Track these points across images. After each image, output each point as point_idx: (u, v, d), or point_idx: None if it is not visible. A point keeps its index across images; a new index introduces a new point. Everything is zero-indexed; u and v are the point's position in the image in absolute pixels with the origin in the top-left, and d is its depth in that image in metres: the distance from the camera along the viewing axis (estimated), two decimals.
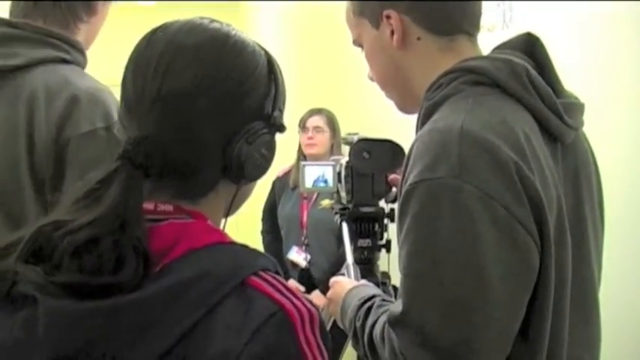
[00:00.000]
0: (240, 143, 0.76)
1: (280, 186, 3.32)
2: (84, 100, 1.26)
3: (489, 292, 0.85)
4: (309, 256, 3.13)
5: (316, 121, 3.21)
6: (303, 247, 3.15)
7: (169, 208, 0.75)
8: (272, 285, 0.71)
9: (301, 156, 3.24)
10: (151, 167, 0.73)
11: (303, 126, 3.23)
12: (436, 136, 0.89)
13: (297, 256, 3.16)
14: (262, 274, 0.72)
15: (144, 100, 0.75)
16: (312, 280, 3.13)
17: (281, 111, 0.82)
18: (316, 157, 3.09)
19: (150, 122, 0.74)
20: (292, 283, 3.11)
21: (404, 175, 0.93)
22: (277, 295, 0.70)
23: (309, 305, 0.71)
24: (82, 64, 1.36)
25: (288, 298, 0.70)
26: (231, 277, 0.70)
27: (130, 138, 0.74)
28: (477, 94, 0.95)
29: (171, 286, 0.68)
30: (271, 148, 0.80)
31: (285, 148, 3.43)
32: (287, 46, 4.49)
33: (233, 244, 0.75)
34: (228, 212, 0.82)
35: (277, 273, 0.74)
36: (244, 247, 0.75)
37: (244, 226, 3.97)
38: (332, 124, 3.21)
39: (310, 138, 3.17)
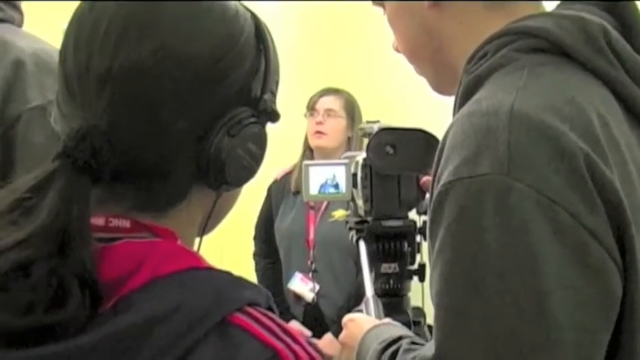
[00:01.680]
0: (220, 136, 0.76)
1: (278, 192, 3.33)
2: (30, 64, 1.26)
3: (552, 330, 0.85)
4: (317, 286, 3.13)
5: (330, 102, 3.20)
6: (310, 275, 3.15)
7: (125, 223, 0.75)
8: (263, 324, 0.72)
9: (307, 150, 3.24)
10: (101, 169, 0.73)
11: (311, 107, 3.22)
12: (478, 121, 0.90)
13: (302, 285, 3.17)
14: (250, 310, 0.72)
15: (89, 80, 0.75)
16: (321, 318, 3.13)
17: (273, 93, 0.82)
18: (326, 152, 3.10)
19: (98, 109, 0.74)
20: (294, 324, 3.11)
21: (435, 173, 0.93)
22: (270, 338, 0.71)
23: (311, 351, 0.72)
24: (17, 23, 1.36)
25: (283, 341, 0.71)
26: (208, 314, 0.70)
27: (72, 130, 0.74)
28: (533, 65, 0.95)
29: (128, 328, 0.68)
30: (261, 141, 0.81)
31: (288, 142, 3.48)
32: (290, 15, 4.51)
33: (211, 270, 0.75)
34: (205, 229, 0.82)
35: (270, 309, 0.75)
36: (226, 274, 0.75)
37: (231, 247, 3.97)
38: (351, 109, 3.21)
39: (319, 123, 3.16)
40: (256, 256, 3.40)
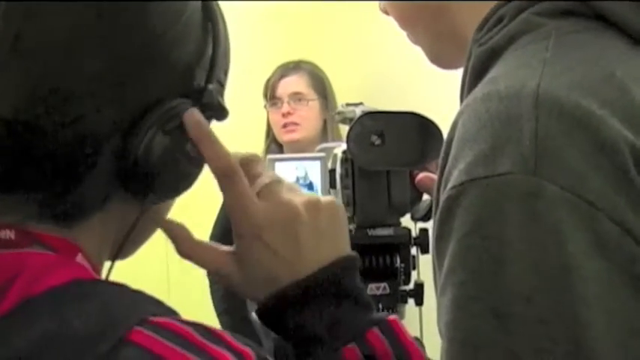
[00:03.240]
0: (151, 133, 0.77)
1: None
2: None
3: None
4: None
5: (293, 83, 3.22)
6: None
7: (9, 235, 0.76)
8: (176, 334, 0.71)
9: (273, 146, 3.25)
10: (4, 170, 0.74)
11: (271, 96, 3.24)
12: (496, 106, 0.90)
13: None
14: (156, 320, 0.73)
15: None
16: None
17: (221, 84, 0.85)
18: (301, 146, 3.11)
19: (1, 89, 0.75)
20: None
21: (442, 172, 0.93)
22: (183, 352, 0.70)
23: (241, 346, 0.74)
24: None
25: (206, 350, 0.71)
26: (98, 338, 0.70)
27: None
28: (562, 32, 0.95)
29: None
30: None
31: (248, 136, 3.47)
32: None
33: (100, 282, 0.77)
34: (118, 251, 0.82)
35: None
36: (121, 286, 0.76)
37: (178, 265, 3.96)
38: (320, 85, 3.23)
39: (288, 114, 3.17)
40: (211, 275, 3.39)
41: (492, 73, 0.96)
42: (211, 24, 0.83)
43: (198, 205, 3.44)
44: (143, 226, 0.83)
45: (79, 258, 0.77)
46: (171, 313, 0.76)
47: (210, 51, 0.83)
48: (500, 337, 0.86)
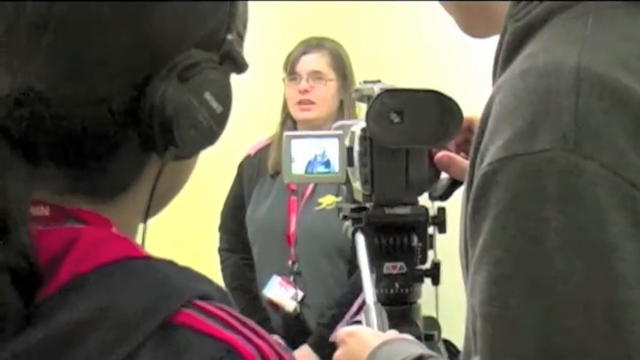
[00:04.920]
0: (166, 83, 0.76)
1: (252, 172, 3.34)
2: None
3: (632, 349, 0.85)
4: (300, 293, 3.15)
5: (314, 62, 3.21)
6: (291, 278, 3.16)
7: (43, 211, 0.76)
8: (215, 317, 0.73)
9: (288, 122, 3.25)
10: (36, 143, 0.74)
11: (291, 70, 3.22)
12: (535, 81, 0.90)
13: (281, 292, 3.18)
14: (200, 303, 0.74)
15: (22, 29, 0.75)
16: (306, 332, 3.16)
17: (241, 36, 0.83)
18: (314, 125, 3.10)
19: (35, 66, 0.75)
20: (307, 352, 3.12)
21: (477, 149, 0.94)
22: (224, 331, 0.72)
23: (279, 349, 0.74)
24: None
25: (242, 334, 0.72)
26: (146, 317, 0.72)
27: (2, 93, 0.75)
28: (602, 8, 0.95)
29: (42, 343, 0.70)
30: (223, 93, 0.80)
31: (265, 108, 3.46)
32: None
33: (150, 259, 0.77)
34: (148, 212, 0.82)
35: (228, 304, 0.76)
36: (169, 263, 0.77)
37: (189, 240, 3.97)
38: (340, 65, 3.21)
39: (304, 92, 3.17)
40: (222, 250, 3.41)
41: (530, 49, 0.95)
42: None
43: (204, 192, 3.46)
44: (166, 186, 0.82)
45: (114, 230, 0.78)
46: (219, 291, 0.77)
47: (228, 2, 0.82)
48: (535, 316, 0.86)
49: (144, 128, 0.76)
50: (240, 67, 0.81)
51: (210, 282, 0.77)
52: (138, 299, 0.72)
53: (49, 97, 0.74)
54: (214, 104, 0.79)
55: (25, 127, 0.74)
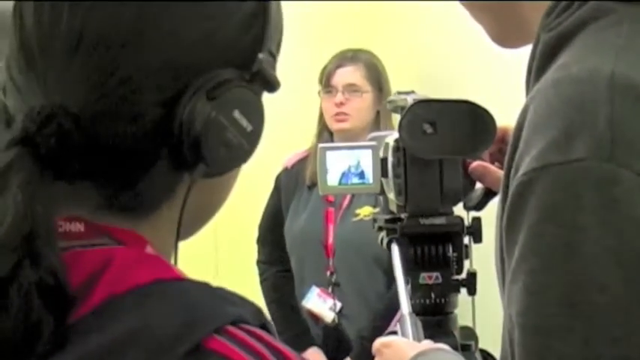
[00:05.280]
0: (194, 100, 0.77)
1: (289, 184, 3.36)
2: None
3: None
4: (339, 304, 3.16)
5: (349, 74, 3.22)
6: (330, 289, 3.17)
7: (79, 227, 0.77)
8: (247, 347, 0.73)
9: (325, 134, 3.26)
10: (67, 160, 0.75)
11: (326, 84, 3.24)
12: (569, 90, 0.90)
13: (320, 303, 3.19)
14: (233, 330, 0.74)
15: (55, 46, 0.76)
16: (345, 343, 3.16)
17: (273, 55, 0.84)
18: (350, 135, 3.11)
19: (66, 82, 0.76)
20: (314, 352, 3.14)
21: (511, 158, 0.94)
22: None
23: None
24: None
25: None
26: (176, 341, 0.72)
27: (32, 109, 0.75)
28: (635, 18, 0.95)
29: None
30: (253, 112, 0.81)
31: (303, 121, 3.46)
32: None
33: (183, 281, 0.77)
34: (179, 230, 0.82)
35: (264, 327, 0.77)
36: (203, 285, 0.77)
37: (228, 253, 3.98)
38: (376, 77, 3.22)
39: (340, 104, 3.18)
40: (261, 263, 3.43)
41: (563, 59, 0.95)
42: None
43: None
44: (198, 205, 0.83)
45: (149, 249, 0.78)
46: (255, 313, 0.77)
47: (261, 21, 0.82)
48: (573, 325, 0.86)
49: (174, 146, 0.77)
50: (271, 85, 0.82)
51: (245, 303, 0.78)
52: (169, 323, 0.73)
53: (78, 114, 0.75)
54: (244, 122, 0.80)
55: (54, 144, 0.74)
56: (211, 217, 0.88)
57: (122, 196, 0.78)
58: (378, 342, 1.31)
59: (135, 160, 0.77)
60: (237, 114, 0.79)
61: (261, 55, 0.81)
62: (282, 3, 0.86)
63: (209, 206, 0.86)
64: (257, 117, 0.81)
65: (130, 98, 0.76)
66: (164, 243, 0.81)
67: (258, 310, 0.78)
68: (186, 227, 0.84)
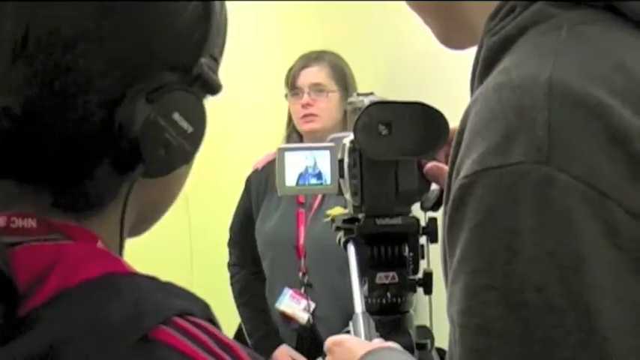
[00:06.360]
0: (134, 102, 0.78)
1: (260, 186, 3.35)
2: None
3: (607, 356, 0.85)
4: (312, 305, 3.16)
5: (314, 75, 3.22)
6: (302, 290, 3.17)
7: (31, 223, 0.78)
8: (193, 337, 0.75)
9: (294, 136, 3.27)
10: (11, 162, 0.77)
11: (292, 85, 3.24)
12: (508, 96, 0.91)
13: (293, 304, 3.19)
14: (179, 321, 0.76)
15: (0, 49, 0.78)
16: (319, 344, 3.13)
17: (215, 59, 0.85)
18: (320, 137, 3.09)
19: (10, 87, 0.77)
20: (285, 350, 3.14)
21: (453, 161, 0.94)
22: (201, 353, 0.74)
23: None
24: None
25: (216, 354, 0.74)
26: (125, 331, 0.74)
27: None
28: (574, 22, 0.96)
29: (27, 354, 0.71)
30: (193, 114, 0.82)
31: (273, 123, 3.44)
32: None
33: (133, 275, 0.79)
34: (122, 228, 0.83)
35: (211, 322, 0.79)
36: (151, 279, 0.79)
37: (201, 254, 3.97)
38: (341, 76, 3.22)
39: (307, 105, 3.19)
40: (231, 265, 3.42)
41: (504, 64, 0.96)
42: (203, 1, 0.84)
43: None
44: (153, 200, 0.85)
45: (99, 245, 0.80)
46: (201, 306, 0.79)
47: (204, 26, 0.84)
48: (512, 326, 0.87)
49: (115, 147, 0.78)
50: (212, 89, 0.84)
51: (192, 298, 0.79)
52: (118, 314, 0.74)
53: (22, 116, 0.76)
54: (184, 124, 0.81)
55: None
56: (162, 214, 0.89)
57: (68, 196, 0.80)
58: (330, 340, 1.32)
59: (78, 161, 0.79)
60: (176, 116, 0.80)
61: (203, 60, 0.83)
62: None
63: (158, 204, 0.88)
64: (198, 119, 0.82)
65: (72, 100, 0.77)
66: (114, 239, 0.82)
67: (206, 305, 0.79)
68: (136, 224, 0.86)
